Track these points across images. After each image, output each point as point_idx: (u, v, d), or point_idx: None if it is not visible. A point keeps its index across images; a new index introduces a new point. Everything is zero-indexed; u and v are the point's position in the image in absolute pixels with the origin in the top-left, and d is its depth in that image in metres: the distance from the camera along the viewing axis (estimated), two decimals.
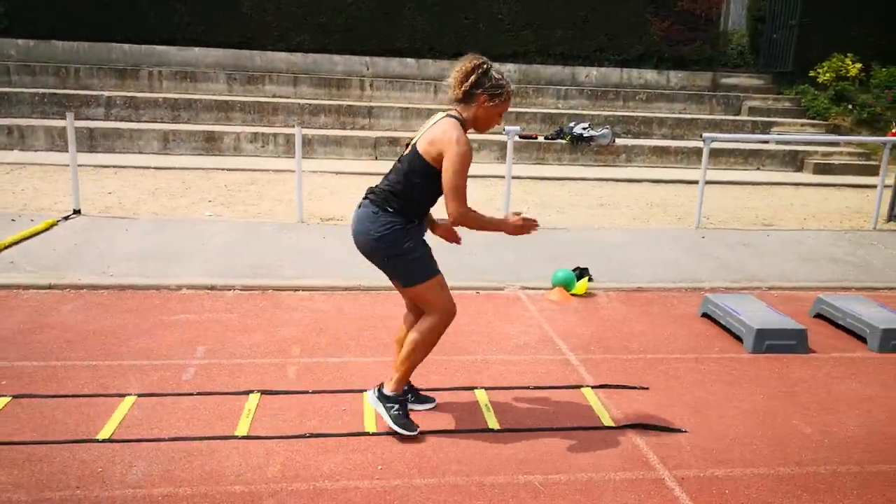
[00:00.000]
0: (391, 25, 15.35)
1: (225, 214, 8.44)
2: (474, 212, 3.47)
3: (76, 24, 14.43)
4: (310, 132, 12.71)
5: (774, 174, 13.19)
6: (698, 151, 13.20)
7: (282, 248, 6.92)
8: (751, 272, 6.94)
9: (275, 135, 12.43)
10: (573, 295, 6.12)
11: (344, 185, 10.59)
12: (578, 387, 4.37)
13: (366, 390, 4.10)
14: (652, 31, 16.09)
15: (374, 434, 3.68)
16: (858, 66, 15.56)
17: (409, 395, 3.88)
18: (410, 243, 3.50)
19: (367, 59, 15.21)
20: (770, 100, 15.61)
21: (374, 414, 3.85)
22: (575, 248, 7.42)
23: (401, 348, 3.69)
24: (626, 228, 8.57)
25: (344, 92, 14.49)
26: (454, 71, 3.49)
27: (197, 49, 14.79)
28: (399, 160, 3.56)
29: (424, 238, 3.62)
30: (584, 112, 14.52)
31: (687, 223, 8.91)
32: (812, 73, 15.83)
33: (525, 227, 3.59)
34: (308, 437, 3.61)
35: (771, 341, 5.02)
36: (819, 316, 5.80)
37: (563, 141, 13.02)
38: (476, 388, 4.29)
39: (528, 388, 4.33)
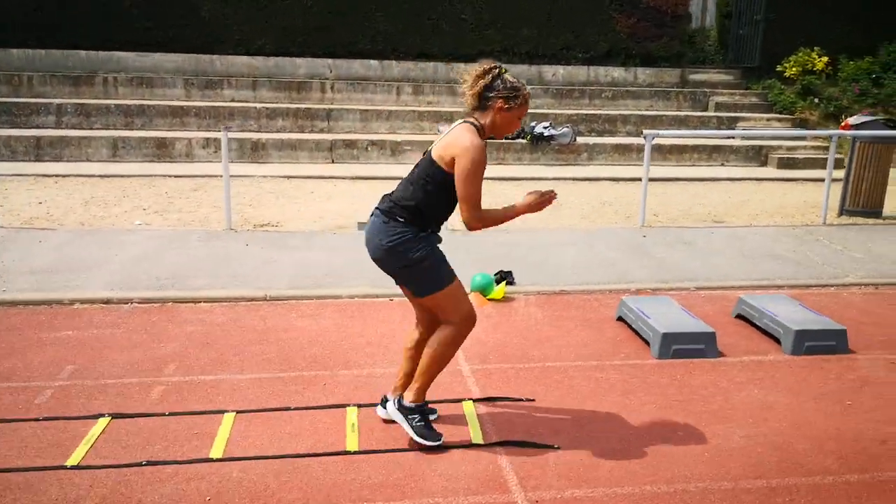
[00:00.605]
0: (353, 27, 15.15)
1: (156, 223, 8.22)
2: (488, 213, 3.42)
3: (31, 31, 14.21)
4: (264, 136, 12.51)
5: (738, 170, 12.97)
6: (660, 148, 13.01)
7: (198, 258, 6.70)
8: (684, 272, 6.72)
9: (228, 139, 12.16)
10: (490, 300, 5.89)
11: (292, 189, 10.37)
12: (460, 400, 4.14)
13: (226, 411, 3.89)
14: (618, 29, 15.88)
15: (217, 460, 3.45)
16: (825, 59, 15.35)
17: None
18: (422, 252, 3.41)
19: (330, 61, 15.00)
20: (737, 95, 15.40)
21: (226, 437, 3.63)
22: (510, 251, 7.21)
23: (408, 356, 3.69)
24: (570, 228, 8.36)
25: (304, 95, 14.28)
26: (467, 78, 3.43)
27: (156, 54, 14.56)
28: (410, 172, 3.50)
29: (438, 246, 3.54)
30: (550, 111, 14.31)
31: (634, 222, 8.68)
32: (779, 68, 15.61)
33: (542, 202, 3.49)
34: (144, 464, 3.39)
35: (678, 346, 4.80)
36: (740, 317, 5.58)
37: (524, 141, 12.80)
38: (349, 405, 4.06)
39: None
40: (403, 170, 11.59)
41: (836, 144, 8.84)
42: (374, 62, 15.03)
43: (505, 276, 6.28)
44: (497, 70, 3.40)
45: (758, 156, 13.35)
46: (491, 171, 11.99)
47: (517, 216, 3.50)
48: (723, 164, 13.31)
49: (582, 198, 10.37)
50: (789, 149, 13.36)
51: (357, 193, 10.18)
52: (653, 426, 3.89)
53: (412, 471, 3.40)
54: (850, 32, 15.95)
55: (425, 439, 3.56)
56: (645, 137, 8.42)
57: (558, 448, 3.65)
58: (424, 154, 3.51)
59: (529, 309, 5.74)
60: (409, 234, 3.40)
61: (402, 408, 3.62)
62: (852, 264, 7.07)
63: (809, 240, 8.01)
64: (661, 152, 13.11)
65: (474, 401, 4.14)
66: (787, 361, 4.82)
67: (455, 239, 7.59)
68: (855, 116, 9.48)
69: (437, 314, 3.55)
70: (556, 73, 15.47)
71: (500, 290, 5.94)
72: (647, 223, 8.62)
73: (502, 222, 3.49)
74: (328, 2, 14.89)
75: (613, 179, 11.80)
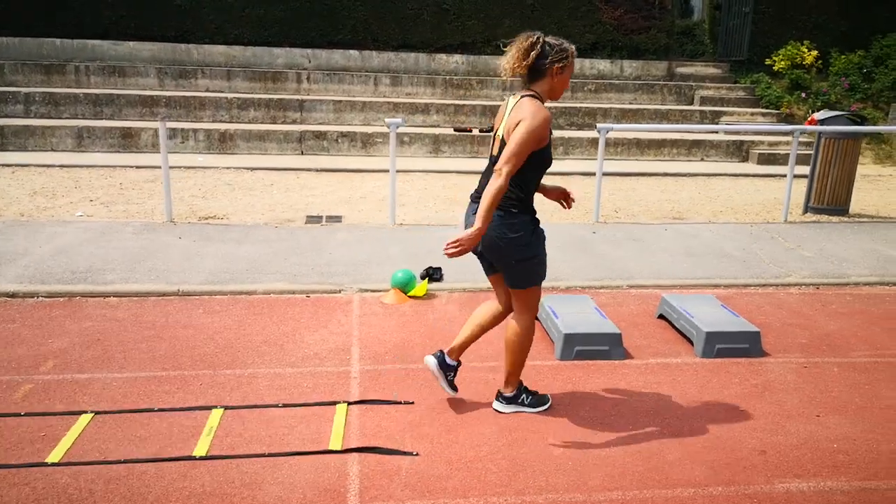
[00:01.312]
0: (333, 17, 14.98)
1: (99, 215, 8.10)
2: (505, 187, 3.37)
3: (4, 19, 14.12)
4: (232, 126, 12.37)
5: (718, 165, 12.72)
6: (639, 143, 12.78)
7: (122, 251, 6.56)
8: (621, 269, 6.53)
9: (195, 130, 12.08)
10: (410, 297, 5.72)
11: (253, 181, 10.23)
12: (335, 403, 3.97)
13: (85, 411, 3.75)
14: (603, 20, 15.62)
15: (52, 464, 3.31)
16: (814, 53, 15.04)
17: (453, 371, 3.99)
18: (539, 248, 3.63)
19: (309, 51, 14.84)
20: (724, 89, 15.11)
21: (73, 439, 3.48)
22: (442, 245, 7.00)
23: (477, 327, 3.88)
24: None
25: (280, 85, 14.13)
26: (512, 52, 3.47)
27: (131, 43, 14.46)
28: (494, 162, 3.50)
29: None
30: None
31: (590, 218, 8.47)
32: (768, 62, 15.31)
33: (461, 245, 3.42)
34: None
35: (581, 347, 4.61)
36: (662, 317, 5.38)
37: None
38: (216, 407, 3.90)
39: (276, 406, 3.94)
40: (374, 162, 11.36)
41: (798, 140, 8.56)
42: (354, 52, 14.86)
43: (432, 273, 6.11)
44: (539, 38, 3.44)
45: (739, 151, 13.08)
46: (462, 164, 11.87)
47: (483, 223, 3.38)
48: (703, 160, 13.06)
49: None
50: (771, 144, 13.09)
51: (318, 186, 10.03)
52: (527, 432, 3.71)
53: (251, 479, 3.24)
54: (843, 26, 15.62)
55: (540, 406, 3.97)
56: (599, 131, 8.21)
57: (417, 455, 3.47)
58: (494, 142, 3.56)
59: (448, 307, 5.57)
60: (530, 226, 3.56)
61: (508, 400, 3.92)
62: (799, 263, 6.85)
63: (764, 237, 7.78)
64: (640, 147, 12.89)
65: (350, 404, 3.97)
66: (695, 365, 4.63)
67: (399, 232, 7.44)
68: (821, 112, 9.20)
69: (516, 303, 3.74)
70: None
71: (421, 286, 5.77)
72: (602, 219, 8.41)
73: (488, 209, 3.36)
74: None
75: (586, 174, 11.58)
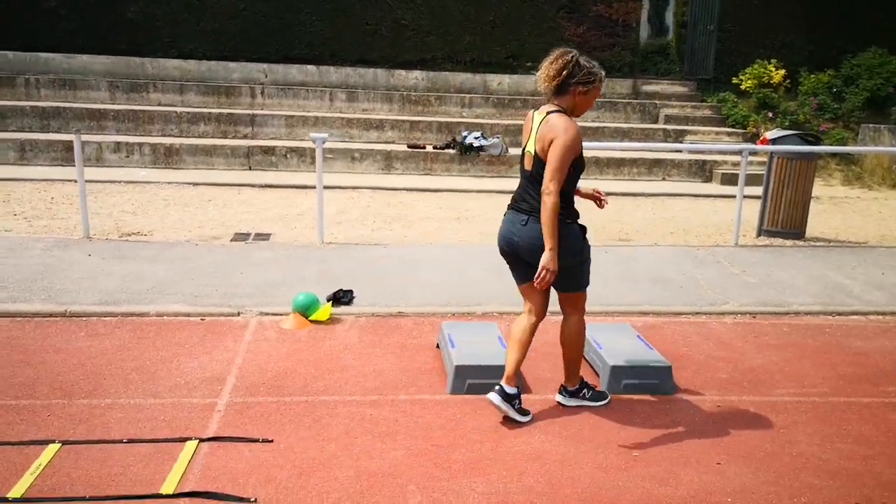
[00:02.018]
0: (289, 31, 14.68)
1: (18, 229, 7.72)
2: (556, 203, 3.60)
3: None
4: (178, 141, 11.99)
5: (680, 185, 12.43)
6: (597, 161, 12.49)
7: (24, 268, 6.19)
8: None
9: (140, 144, 11.70)
10: (312, 321, 5.33)
11: (191, 196, 9.85)
12: (185, 440, 3.57)
13: None
14: (566, 37, 15.34)
15: None
16: (782, 72, 14.81)
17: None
18: (587, 252, 3.92)
19: (265, 66, 14.52)
20: (689, 108, 14.86)
21: None
22: (370, 266, 6.68)
23: (522, 345, 3.94)
24: (457, 244, 7.79)
25: (234, 100, 13.78)
26: (544, 67, 3.69)
27: (85, 56, 14.11)
28: (529, 175, 3.78)
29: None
30: (491, 121, 13.80)
31: None
32: (735, 80, 15.08)
33: (547, 273, 3.70)
34: None
35: (473, 380, 4.25)
36: None
37: (453, 151, 12.27)
38: (53, 441, 3.50)
39: (120, 441, 3.54)
40: (324, 178, 11.01)
41: (747, 160, 8.25)
42: (311, 67, 14.55)
43: (341, 296, 5.73)
44: (573, 57, 3.65)
45: (702, 171, 12.80)
46: (413, 181, 11.53)
47: (551, 242, 3.63)
48: (664, 179, 12.76)
49: (492, 211, 9.81)
50: (735, 164, 12.80)
51: (258, 202, 9.66)
52: (384, 477, 3.32)
53: None
54: (811, 45, 15.43)
55: (602, 399, 4.19)
56: (315, 142, 7.83)
57: (254, 502, 3.08)
58: (525, 158, 3.81)
59: (349, 333, 5.18)
60: (578, 234, 3.83)
61: (571, 393, 4.16)
62: (739, 290, 6.50)
63: (709, 262, 7.44)
64: (599, 165, 12.58)
65: (202, 441, 3.57)
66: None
67: (324, 251, 7.08)
68: (772, 131, 8.91)
69: (566, 306, 4.01)
70: (501, 81, 14.95)
71: (324, 310, 5.39)
72: None
73: (546, 226, 3.63)
74: (262, 5, 14.42)
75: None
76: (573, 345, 4.06)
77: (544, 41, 15.00)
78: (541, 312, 3.98)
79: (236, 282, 6.11)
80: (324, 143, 7.60)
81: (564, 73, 3.65)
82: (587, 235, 3.93)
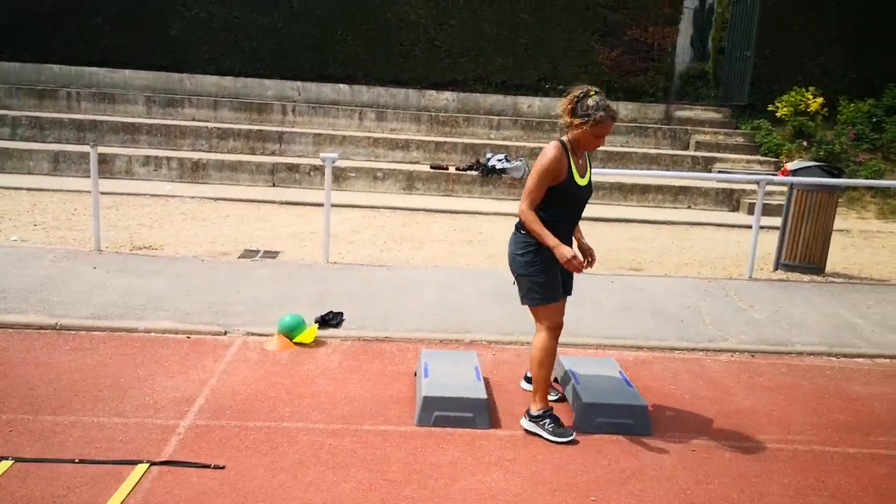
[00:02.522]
0: (323, 50, 14.86)
1: (35, 240, 7.91)
2: (535, 216, 3.94)
3: (7, 44, 14.27)
4: (205, 156, 12.19)
5: (705, 213, 12.20)
6: (621, 187, 12.35)
7: (27, 278, 6.34)
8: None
9: (168, 158, 11.92)
10: (297, 344, 5.33)
11: (210, 211, 9.99)
12: (136, 462, 3.58)
13: None
14: (599, 60, 15.26)
15: None
16: (819, 100, 14.46)
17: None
18: (539, 266, 4.02)
19: (299, 84, 14.71)
20: (721, 134, 14.60)
21: None
22: (367, 287, 6.67)
23: (531, 360, 4.21)
24: (461, 267, 7.73)
25: (265, 116, 13.98)
26: (563, 101, 3.99)
27: (127, 71, 14.48)
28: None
29: (555, 266, 4.02)
30: (518, 143, 13.75)
31: None
32: (770, 108, 14.78)
33: (570, 262, 3.91)
34: None
35: (441, 412, 4.18)
36: (557, 381, 4.91)
37: (475, 172, 12.24)
38: (5, 458, 3.55)
39: (71, 461, 3.56)
40: (344, 197, 11.06)
41: (764, 191, 8.05)
42: (343, 87, 14.69)
43: (330, 318, 5.72)
44: (581, 94, 3.88)
45: (729, 199, 12.55)
46: (434, 202, 11.52)
47: (547, 243, 3.91)
48: (690, 207, 12.54)
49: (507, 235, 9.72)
50: (765, 194, 12.47)
51: (275, 219, 9.75)
52: None
53: None
54: (852, 73, 15.05)
55: (559, 437, 4.06)
56: (324, 161, 7.76)
57: None
58: None
59: (330, 357, 5.17)
60: (533, 247, 4.00)
61: (532, 418, 4.15)
62: (742, 327, 6.32)
63: (718, 295, 7.26)
64: (623, 192, 12.45)
65: (153, 464, 3.57)
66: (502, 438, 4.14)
67: (328, 271, 7.10)
68: (794, 162, 8.69)
69: (534, 318, 4.15)
70: (531, 104, 14.90)
71: (309, 332, 5.38)
72: None
73: (534, 234, 3.95)
74: (298, 24, 14.63)
75: None
76: (533, 360, 4.15)
77: (577, 64, 14.96)
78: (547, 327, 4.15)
79: (231, 300, 6.14)
80: (333, 162, 7.64)
81: (570, 107, 3.91)
82: (557, 268, 4.06)
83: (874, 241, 10.86)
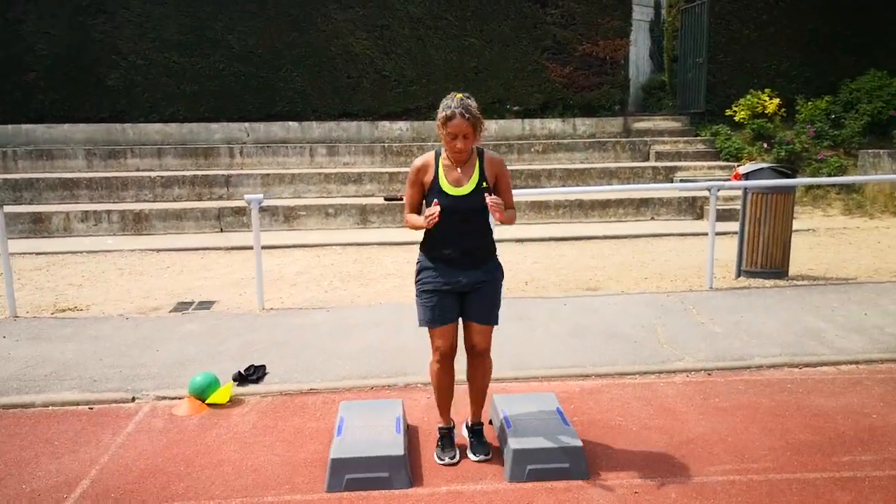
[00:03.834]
0: (269, 89, 14.53)
1: None
2: (406, 219, 3.90)
3: None
4: (148, 206, 11.76)
5: (668, 224, 11.86)
6: (580, 204, 12.00)
7: None
8: None
9: (108, 212, 11.46)
10: (209, 404, 4.85)
11: (148, 264, 9.51)
12: None
13: None
14: (552, 78, 15.02)
15: None
16: (776, 101, 14.24)
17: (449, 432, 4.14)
18: (420, 286, 3.89)
19: (247, 125, 14.34)
20: (681, 143, 14.33)
21: None
22: (297, 335, 6.27)
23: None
24: (398, 304, 7.29)
25: (212, 161, 13.58)
26: None
27: (66, 126, 14.08)
28: None
29: (443, 287, 3.83)
30: None
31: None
32: (728, 112, 14.54)
33: (427, 221, 3.67)
34: None
35: (352, 475, 3.72)
36: (492, 423, 4.46)
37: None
38: None
39: None
40: (295, 236, 10.63)
41: (716, 197, 7.69)
42: (293, 124, 14.35)
43: (250, 374, 5.25)
44: (447, 97, 3.75)
45: (692, 208, 12.23)
46: (391, 234, 11.08)
47: (414, 227, 3.80)
48: (653, 218, 12.21)
49: None
50: (726, 199, 12.19)
51: (218, 267, 9.30)
52: None
53: None
54: (807, 71, 14.86)
55: (438, 459, 3.99)
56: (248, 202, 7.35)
57: None
58: None
59: (244, 418, 4.69)
60: (418, 261, 3.94)
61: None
62: (699, 343, 5.91)
63: (676, 310, 6.86)
64: (583, 208, 12.08)
65: None
66: (496, 493, 3.69)
67: (260, 319, 6.64)
68: (745, 165, 8.35)
69: None
70: (487, 127, 14.46)
71: (222, 392, 4.92)
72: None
73: (417, 227, 3.79)
74: (240, 64, 14.29)
75: (518, 240, 10.74)
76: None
77: (529, 84, 14.71)
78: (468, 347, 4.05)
79: (146, 360, 5.67)
80: (259, 203, 7.21)
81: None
82: (442, 282, 3.86)
83: (840, 239, 10.53)
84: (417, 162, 3.83)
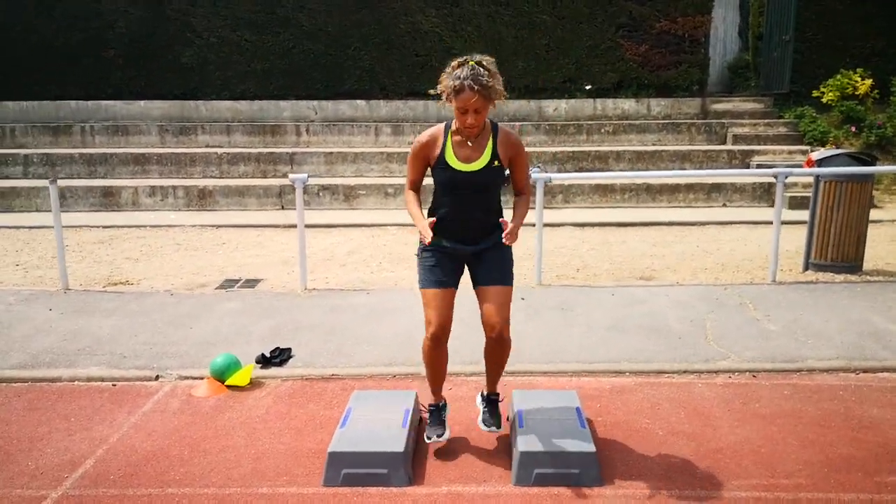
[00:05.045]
0: (338, 67, 14.49)
1: (9, 280, 7.68)
2: (409, 196, 3.68)
3: (24, 85, 14.39)
4: (213, 182, 11.93)
5: (741, 211, 11.28)
6: (648, 188, 11.55)
7: None
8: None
9: (174, 187, 11.68)
10: (229, 387, 4.81)
11: (206, 240, 9.65)
12: None
13: None
14: (626, 57, 14.46)
15: None
16: (869, 82, 13.33)
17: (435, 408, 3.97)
18: (422, 245, 3.68)
19: (315, 103, 14.37)
20: (761, 126, 13.59)
21: None
22: (332, 317, 6.20)
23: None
24: None
25: (279, 138, 13.67)
26: None
27: (142, 102, 14.41)
28: None
29: (444, 251, 3.67)
30: (542, 149, 13.05)
31: (532, 280, 7.32)
32: (815, 94, 13.70)
33: (422, 233, 3.52)
34: None
35: (350, 469, 3.59)
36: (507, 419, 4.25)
37: None
38: None
39: None
40: (354, 216, 10.63)
41: (783, 184, 7.20)
42: (361, 102, 14.29)
43: (273, 356, 5.19)
44: (450, 65, 3.47)
45: (767, 195, 11.59)
46: None
47: (411, 214, 3.63)
48: (724, 205, 11.63)
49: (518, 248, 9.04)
50: (805, 186, 11.51)
51: (272, 244, 9.35)
52: None
53: None
54: None
55: (427, 439, 3.83)
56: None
57: None
58: None
59: (260, 402, 4.63)
60: (424, 246, 3.69)
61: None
62: (749, 342, 5.54)
63: (731, 304, 6.47)
64: (651, 192, 11.62)
65: None
66: (500, 497, 3.49)
67: (301, 300, 6.61)
68: (819, 150, 7.79)
69: None
70: (557, 107, 14.18)
71: (242, 374, 4.86)
72: (548, 282, 7.28)
73: (410, 216, 3.64)
74: (309, 42, 14.30)
75: (578, 225, 10.41)
76: None
77: (603, 62, 14.24)
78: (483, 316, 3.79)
79: (178, 338, 5.69)
80: (304, 183, 7.14)
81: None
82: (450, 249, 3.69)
83: None
84: (423, 136, 3.60)
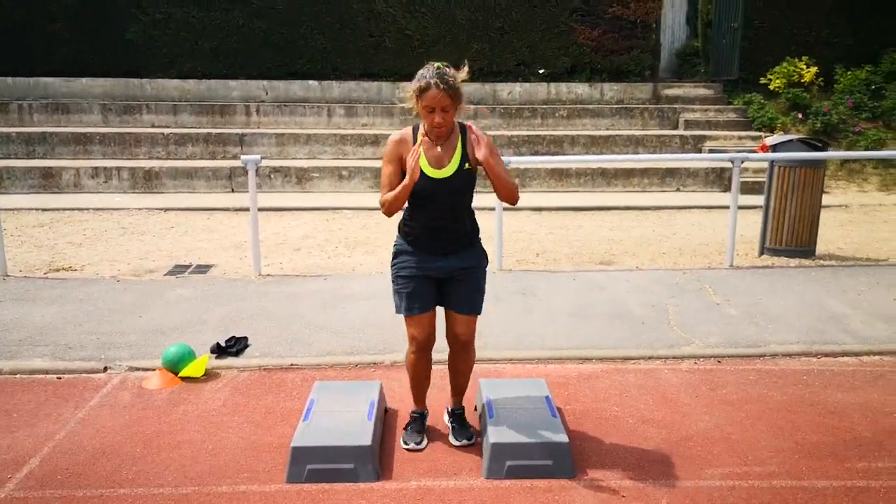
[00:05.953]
0: (289, 47, 14.12)
1: None
2: (385, 198, 3.43)
3: None
4: (159, 164, 11.53)
5: (695, 195, 11.37)
6: (604, 172, 11.54)
7: None
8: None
9: (118, 169, 11.25)
10: (183, 378, 4.59)
11: (154, 223, 9.34)
12: None
13: None
14: (580, 41, 14.41)
15: None
16: (814, 70, 13.54)
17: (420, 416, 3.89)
18: (396, 270, 3.59)
19: (266, 83, 13.99)
20: (712, 111, 13.71)
21: None
22: (287, 304, 6.00)
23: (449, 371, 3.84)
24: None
25: (228, 119, 13.28)
26: None
27: (84, 80, 13.83)
28: None
29: (419, 273, 3.54)
30: (497, 132, 12.93)
31: (493, 264, 7.21)
32: (762, 80, 13.87)
33: (411, 166, 3.31)
34: None
35: (313, 465, 3.45)
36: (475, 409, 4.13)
37: None
38: None
39: None
40: (306, 199, 10.40)
41: (739, 170, 7.22)
42: (313, 83, 13.96)
43: (229, 346, 4.98)
44: (425, 67, 3.37)
45: (720, 179, 11.70)
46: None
47: (396, 200, 3.40)
48: (678, 190, 11.70)
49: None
50: (756, 171, 11.66)
51: (223, 228, 9.07)
52: None
53: None
54: (849, 40, 14.10)
55: (404, 444, 3.75)
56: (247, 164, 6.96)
57: None
58: None
59: (216, 394, 4.43)
60: (395, 244, 3.64)
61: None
62: (710, 327, 5.52)
63: (691, 289, 6.46)
64: (606, 177, 11.62)
65: None
66: (472, 491, 3.39)
67: (255, 286, 6.38)
68: (772, 136, 7.84)
69: None
70: (511, 91, 14.07)
71: (196, 365, 4.65)
72: (506, 267, 7.19)
73: (402, 200, 3.41)
74: (260, 21, 13.89)
75: (535, 209, 10.35)
76: None
77: (556, 46, 14.17)
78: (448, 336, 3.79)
79: (126, 327, 5.43)
80: (256, 164, 6.89)
81: None
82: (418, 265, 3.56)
83: (874, 216, 9.99)
84: (395, 135, 3.47)
